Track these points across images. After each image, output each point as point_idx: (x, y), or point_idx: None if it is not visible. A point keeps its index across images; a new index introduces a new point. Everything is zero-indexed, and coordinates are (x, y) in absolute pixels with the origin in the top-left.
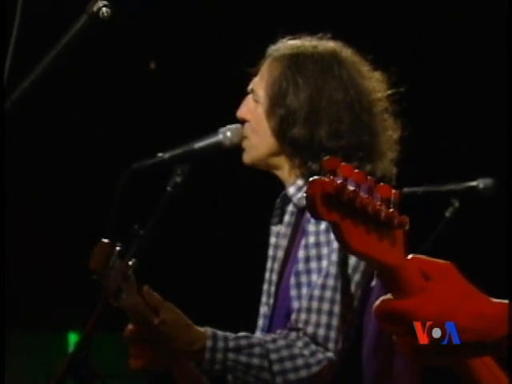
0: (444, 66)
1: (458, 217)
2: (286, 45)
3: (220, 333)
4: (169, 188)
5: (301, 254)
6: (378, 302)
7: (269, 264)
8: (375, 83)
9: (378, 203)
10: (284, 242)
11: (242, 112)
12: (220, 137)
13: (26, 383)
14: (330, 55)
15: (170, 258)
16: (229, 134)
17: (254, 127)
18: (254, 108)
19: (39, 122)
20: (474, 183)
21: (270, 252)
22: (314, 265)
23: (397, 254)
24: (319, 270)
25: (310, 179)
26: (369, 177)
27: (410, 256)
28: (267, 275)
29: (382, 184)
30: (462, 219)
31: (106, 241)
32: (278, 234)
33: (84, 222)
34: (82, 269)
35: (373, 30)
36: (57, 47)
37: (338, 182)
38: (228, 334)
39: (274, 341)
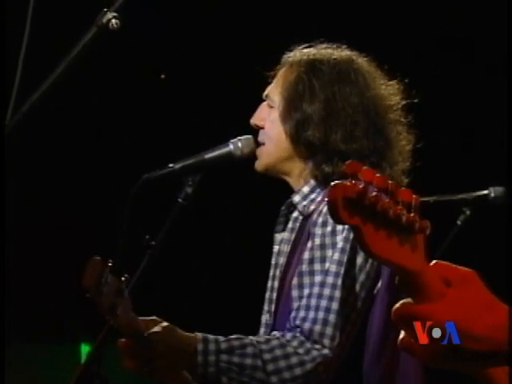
0: (456, 76)
1: (469, 225)
2: (302, 52)
3: (211, 336)
4: (180, 199)
5: (305, 255)
6: (397, 305)
7: (271, 272)
8: (390, 91)
9: (400, 207)
10: (286, 248)
11: (256, 119)
12: (231, 147)
13: None
14: (345, 62)
15: (179, 266)
16: (239, 144)
17: (268, 133)
18: (268, 114)
19: (50, 131)
20: (485, 192)
21: (273, 260)
22: (317, 266)
23: (418, 258)
24: (322, 272)
25: (332, 183)
26: (390, 181)
27: (433, 262)
28: (269, 283)
29: (403, 188)
30: (473, 227)
31: (97, 258)
32: (281, 241)
33: (96, 234)
34: None
35: (381, 39)
36: (67, 58)
37: (360, 186)
38: (219, 336)
39: (267, 341)
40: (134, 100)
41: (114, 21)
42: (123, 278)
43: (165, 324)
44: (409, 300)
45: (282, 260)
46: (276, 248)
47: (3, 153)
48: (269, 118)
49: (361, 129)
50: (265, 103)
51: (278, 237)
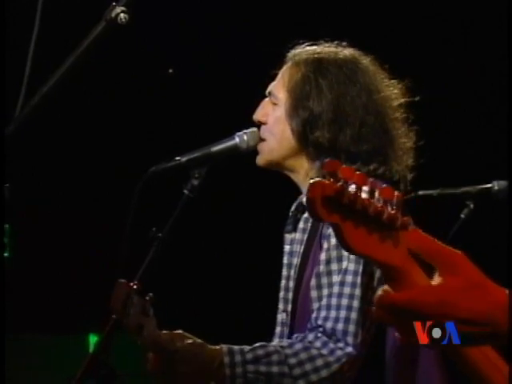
0: (456, 71)
1: (472, 218)
2: (307, 50)
3: (235, 347)
4: (186, 191)
5: (322, 256)
6: (379, 293)
7: (284, 271)
8: (393, 90)
9: (380, 205)
10: (299, 249)
11: (258, 115)
12: (236, 140)
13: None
14: (351, 61)
15: (185, 263)
16: (245, 137)
17: (271, 129)
18: (271, 111)
19: (57, 126)
20: (488, 185)
21: (285, 260)
22: (334, 266)
23: (399, 254)
24: (339, 271)
25: (311, 181)
26: (370, 179)
27: (419, 233)
28: (283, 283)
29: (384, 186)
30: (476, 220)
31: (122, 280)
32: (293, 241)
33: (103, 226)
34: (100, 274)
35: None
36: (76, 52)
37: (338, 184)
38: (243, 346)
39: (290, 345)
40: (140, 95)
41: (122, 15)
42: (147, 298)
43: (189, 340)
44: (388, 288)
45: (296, 260)
46: (287, 248)
47: (3, 153)
48: (272, 114)
49: (368, 129)
50: (267, 100)
51: (289, 237)
